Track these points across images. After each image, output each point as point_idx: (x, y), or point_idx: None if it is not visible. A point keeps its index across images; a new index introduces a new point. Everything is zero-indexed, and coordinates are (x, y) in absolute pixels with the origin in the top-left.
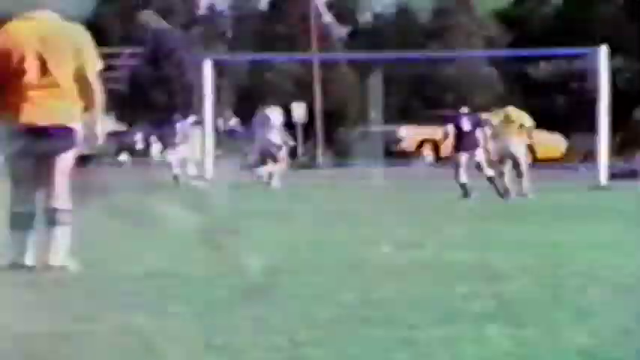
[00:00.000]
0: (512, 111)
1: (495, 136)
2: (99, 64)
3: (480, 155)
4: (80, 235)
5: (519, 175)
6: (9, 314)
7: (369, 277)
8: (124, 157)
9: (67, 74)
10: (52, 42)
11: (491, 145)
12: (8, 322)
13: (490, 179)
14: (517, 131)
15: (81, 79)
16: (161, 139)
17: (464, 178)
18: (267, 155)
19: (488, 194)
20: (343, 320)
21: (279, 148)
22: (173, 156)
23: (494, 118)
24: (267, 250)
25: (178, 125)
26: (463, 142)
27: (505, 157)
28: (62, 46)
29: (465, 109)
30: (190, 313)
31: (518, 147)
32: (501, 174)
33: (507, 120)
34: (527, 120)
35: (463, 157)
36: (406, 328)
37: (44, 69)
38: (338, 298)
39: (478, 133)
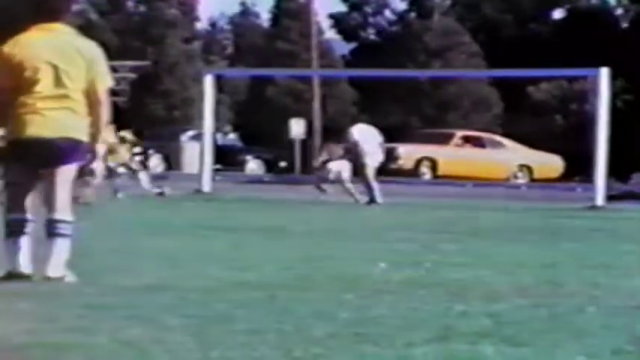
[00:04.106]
0: None
1: None
2: (109, 81)
3: None
4: (78, 246)
5: None
6: (5, 324)
7: (365, 293)
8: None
9: (79, 88)
10: (66, 54)
11: None
12: (4, 332)
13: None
14: None
15: (91, 95)
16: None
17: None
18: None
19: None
20: (339, 337)
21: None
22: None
23: None
24: (264, 265)
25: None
26: None
27: None
28: (76, 59)
29: None
30: (187, 326)
31: None
32: None
33: None
34: None
35: None
36: (402, 346)
37: (58, 80)
38: (334, 314)
39: None
